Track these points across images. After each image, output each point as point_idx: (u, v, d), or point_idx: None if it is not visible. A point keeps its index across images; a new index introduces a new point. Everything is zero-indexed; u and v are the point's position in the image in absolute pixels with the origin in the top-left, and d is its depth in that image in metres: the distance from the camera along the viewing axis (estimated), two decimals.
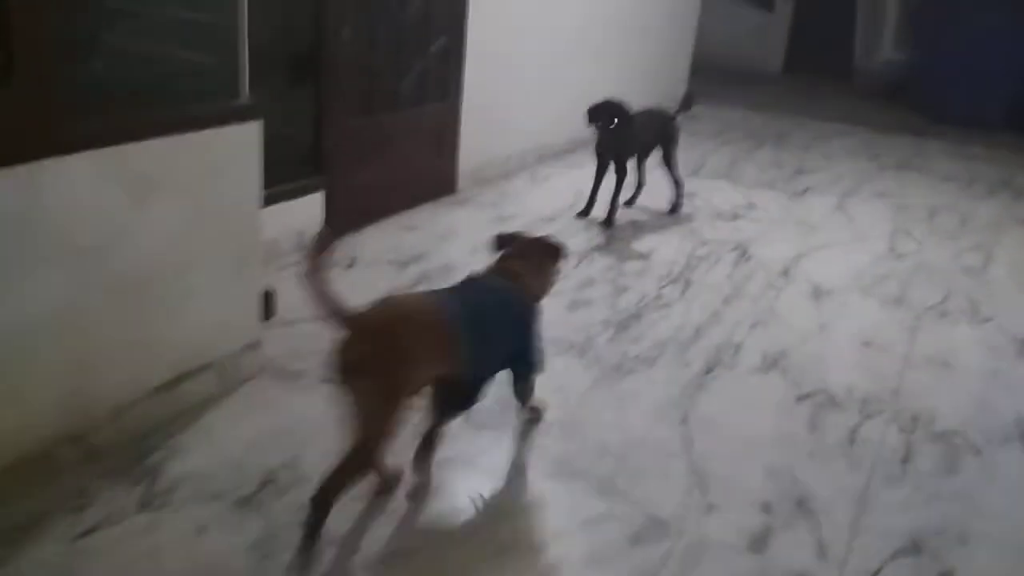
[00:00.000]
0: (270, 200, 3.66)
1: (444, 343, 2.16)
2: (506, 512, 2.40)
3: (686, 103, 5.29)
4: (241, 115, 2.58)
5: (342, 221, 4.23)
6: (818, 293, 4.12)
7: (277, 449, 2.54)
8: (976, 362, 3.56)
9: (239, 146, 2.60)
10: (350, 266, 3.91)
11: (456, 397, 2.40)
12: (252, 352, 2.88)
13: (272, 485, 2.38)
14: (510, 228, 2.86)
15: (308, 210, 4.03)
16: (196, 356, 2.67)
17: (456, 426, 2.71)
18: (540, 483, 2.53)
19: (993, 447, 2.92)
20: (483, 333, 2.26)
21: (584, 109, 4.67)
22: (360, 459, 2.08)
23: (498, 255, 2.61)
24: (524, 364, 2.56)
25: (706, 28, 8.76)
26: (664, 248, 4.52)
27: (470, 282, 2.47)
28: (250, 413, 2.71)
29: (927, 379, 3.37)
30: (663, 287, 4.01)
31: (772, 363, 3.36)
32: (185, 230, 2.50)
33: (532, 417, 2.80)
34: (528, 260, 2.56)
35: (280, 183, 3.83)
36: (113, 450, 2.44)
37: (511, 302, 2.45)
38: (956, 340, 3.75)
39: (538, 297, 2.57)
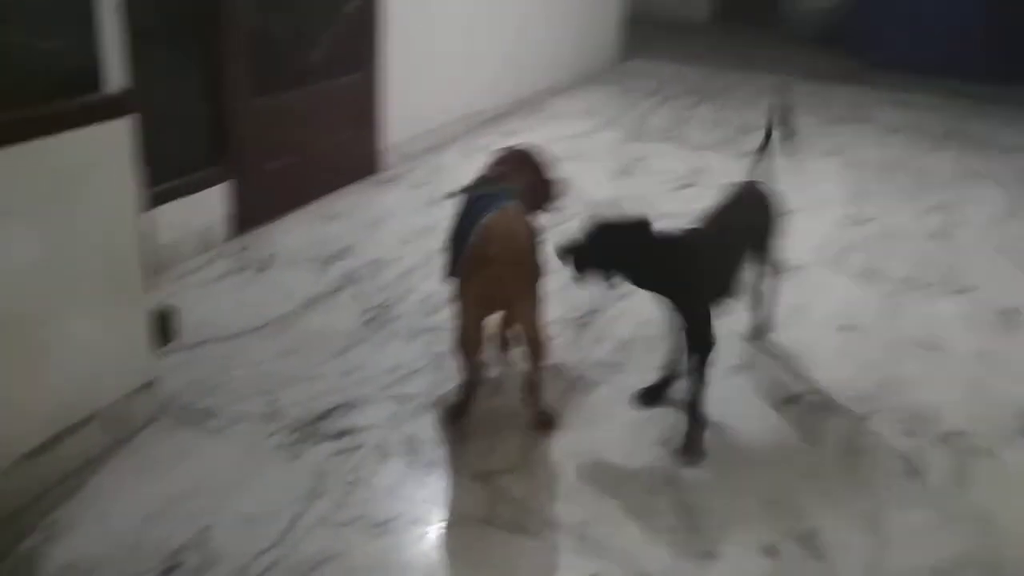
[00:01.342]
0: (164, 198, 3.16)
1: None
2: None
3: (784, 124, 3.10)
4: (105, 111, 2.06)
5: (252, 214, 3.71)
6: (785, 270, 3.77)
7: (182, 519, 2.07)
8: (963, 342, 3.26)
9: (105, 148, 2.08)
10: (262, 269, 3.40)
11: None
12: (146, 393, 2.38)
13: (175, 573, 1.92)
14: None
15: (211, 205, 3.49)
16: (74, 409, 2.17)
17: (396, 475, 2.29)
18: (505, 538, 2.12)
19: (1001, 447, 2.62)
20: None
21: (560, 243, 2.42)
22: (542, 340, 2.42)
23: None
24: None
25: None
26: None
27: None
28: (146, 473, 2.22)
29: (917, 367, 3.05)
30: None
31: (751, 357, 3.00)
32: (41, 262, 1.98)
33: None
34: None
35: (176, 177, 3.29)
36: None
37: None
38: (938, 317, 3.45)
39: None
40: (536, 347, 2.42)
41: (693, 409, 2.47)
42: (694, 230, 2.57)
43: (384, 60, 4.44)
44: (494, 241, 2.30)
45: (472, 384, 2.51)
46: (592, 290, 3.23)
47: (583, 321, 3.15)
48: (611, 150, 5.38)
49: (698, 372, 2.44)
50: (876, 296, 3.59)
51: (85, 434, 2.20)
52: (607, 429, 2.55)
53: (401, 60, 4.54)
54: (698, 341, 2.43)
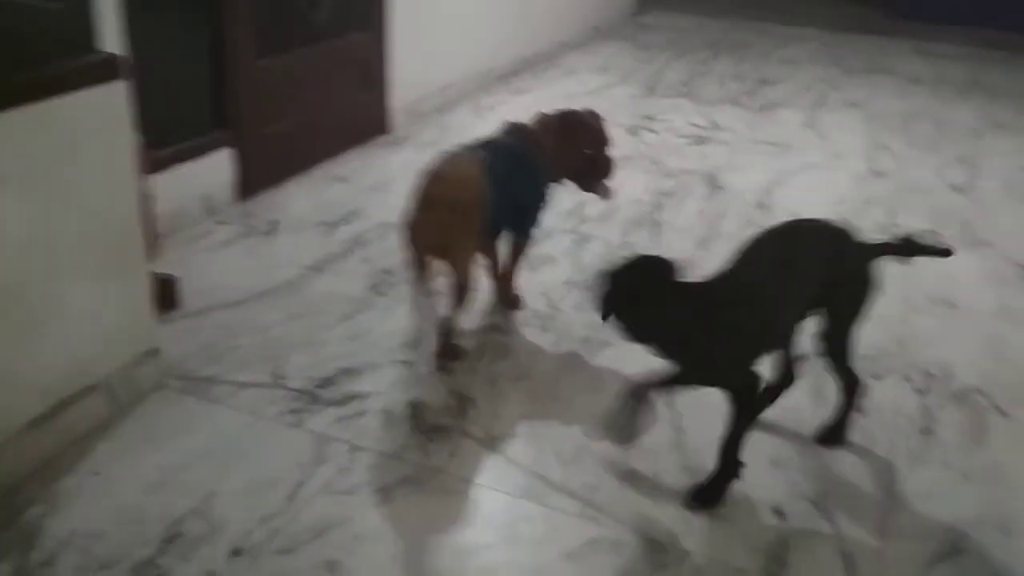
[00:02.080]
0: (167, 163, 3.13)
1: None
2: (468, 549, 1.97)
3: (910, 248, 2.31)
4: (100, 74, 2.02)
5: (257, 178, 3.67)
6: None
7: (184, 488, 2.07)
8: (981, 298, 3.19)
9: (101, 112, 2.04)
10: (268, 234, 3.38)
11: None
12: (149, 361, 2.38)
13: (178, 541, 1.92)
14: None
15: (216, 169, 3.46)
16: (76, 378, 2.17)
17: (399, 441, 2.28)
18: (509, 503, 2.10)
19: (1017, 404, 2.56)
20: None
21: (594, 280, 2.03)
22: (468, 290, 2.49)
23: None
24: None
25: None
26: (627, 184, 4.03)
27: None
28: (149, 442, 2.22)
29: (933, 324, 2.99)
30: (630, 233, 3.56)
31: None
32: (35, 230, 1.96)
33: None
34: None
35: (179, 142, 3.26)
36: None
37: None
38: (956, 272, 3.36)
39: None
40: (460, 294, 2.47)
41: (726, 451, 2.04)
42: (723, 276, 1.98)
43: (391, 18, 4.36)
44: (436, 185, 2.36)
45: (438, 321, 2.57)
46: (602, 252, 3.19)
47: (592, 283, 3.10)
48: (626, 106, 5.28)
49: (742, 412, 1.99)
50: None
51: (88, 403, 2.20)
52: (612, 393, 2.52)
53: (408, 17, 4.46)
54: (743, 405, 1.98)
